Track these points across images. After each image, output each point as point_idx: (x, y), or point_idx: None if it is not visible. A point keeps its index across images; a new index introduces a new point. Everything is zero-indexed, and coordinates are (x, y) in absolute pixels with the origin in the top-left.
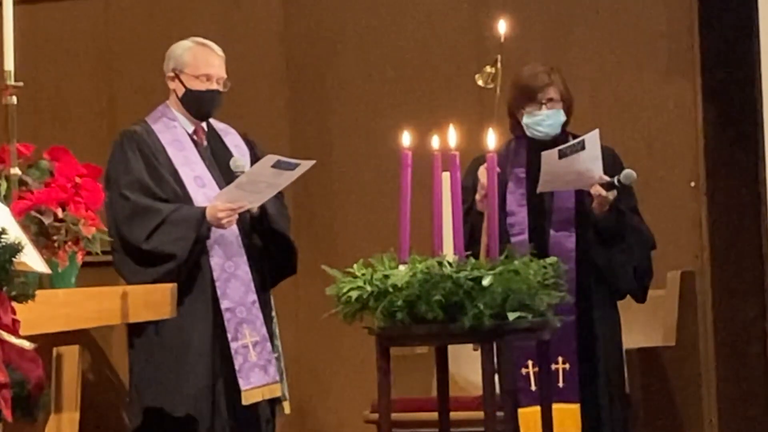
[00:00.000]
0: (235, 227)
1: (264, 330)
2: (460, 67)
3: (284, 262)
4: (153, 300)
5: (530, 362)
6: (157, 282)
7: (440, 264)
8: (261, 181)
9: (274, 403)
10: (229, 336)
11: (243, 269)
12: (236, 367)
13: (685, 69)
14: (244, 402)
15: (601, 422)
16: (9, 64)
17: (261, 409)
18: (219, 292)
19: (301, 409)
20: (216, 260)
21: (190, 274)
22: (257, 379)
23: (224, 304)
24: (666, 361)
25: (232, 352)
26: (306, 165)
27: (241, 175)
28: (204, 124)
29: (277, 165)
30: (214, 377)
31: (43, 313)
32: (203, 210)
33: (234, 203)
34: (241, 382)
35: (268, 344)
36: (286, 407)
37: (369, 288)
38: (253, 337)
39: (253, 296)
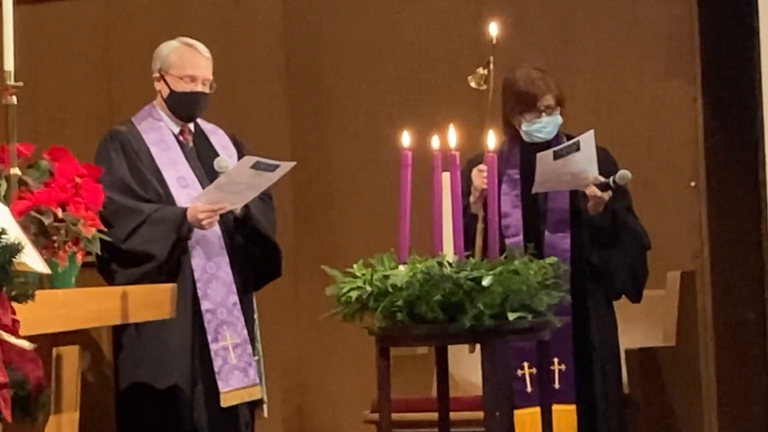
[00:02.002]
0: (217, 228)
1: (245, 332)
2: (459, 67)
3: (268, 264)
4: (153, 300)
5: (526, 364)
6: (137, 283)
7: (440, 264)
8: (241, 183)
9: (254, 405)
10: (209, 337)
11: (224, 270)
12: (216, 369)
13: (685, 69)
14: (223, 404)
15: (598, 423)
16: (9, 64)
17: (240, 412)
18: (200, 293)
19: (301, 409)
20: (197, 261)
21: (171, 274)
22: (237, 381)
23: (205, 306)
24: (666, 361)
25: (212, 353)
26: (286, 166)
27: (220, 177)
28: (191, 125)
29: (256, 166)
30: (193, 379)
31: (43, 313)
32: (184, 210)
33: (214, 204)
34: (220, 384)
35: (249, 347)
36: (265, 410)
37: (369, 288)
38: (234, 339)
39: (235, 298)
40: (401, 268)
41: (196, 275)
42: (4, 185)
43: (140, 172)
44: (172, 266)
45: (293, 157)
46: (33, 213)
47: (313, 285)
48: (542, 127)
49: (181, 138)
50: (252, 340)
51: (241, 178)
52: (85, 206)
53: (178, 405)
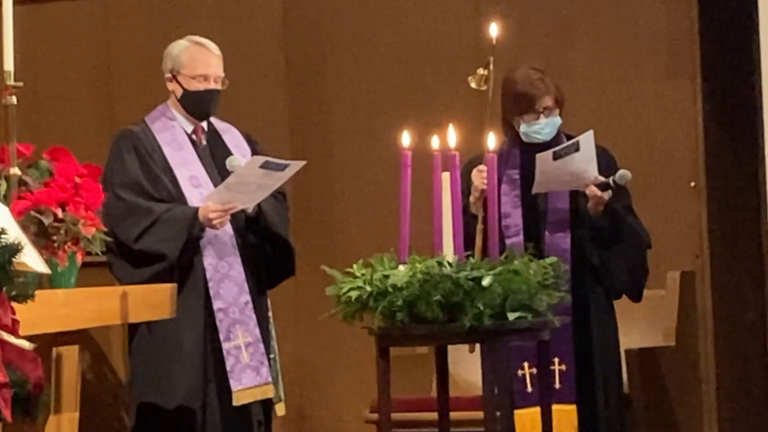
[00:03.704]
0: (229, 227)
1: (257, 331)
2: (459, 67)
3: (281, 263)
4: (153, 300)
5: (526, 364)
6: (149, 282)
7: (440, 264)
8: (251, 182)
9: (268, 404)
10: (222, 336)
11: (237, 269)
12: (228, 368)
13: (685, 69)
14: (235, 403)
15: (598, 423)
16: (9, 64)
17: (253, 411)
18: (212, 293)
19: (301, 409)
20: (209, 260)
21: (183, 274)
22: (249, 380)
23: (217, 305)
24: (666, 361)
25: (224, 352)
26: (296, 165)
27: (230, 176)
28: (204, 124)
29: (265, 166)
30: (206, 378)
31: (43, 313)
32: (196, 210)
33: (225, 204)
34: (232, 383)
35: (261, 345)
36: (280, 409)
37: (369, 288)
38: (246, 338)
39: (247, 297)
40: (401, 268)
41: (208, 275)
42: (4, 185)
43: (152, 172)
44: (184, 266)
45: (293, 156)
46: (33, 213)
47: (313, 285)
48: (541, 128)
49: (194, 137)
50: (267, 338)
51: (251, 178)
52: (85, 206)
53: (191, 403)
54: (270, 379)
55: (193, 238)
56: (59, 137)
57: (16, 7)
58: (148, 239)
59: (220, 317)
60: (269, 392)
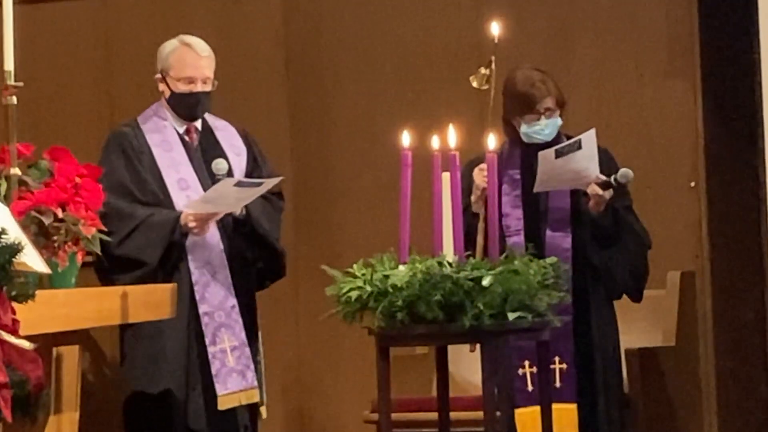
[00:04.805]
0: (216, 231)
1: (243, 335)
2: (460, 67)
3: (270, 265)
4: (153, 300)
5: (527, 362)
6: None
7: (440, 264)
8: (229, 196)
9: (255, 408)
10: (207, 340)
11: (223, 273)
12: (213, 371)
13: (685, 69)
14: (220, 407)
15: (598, 422)
16: (9, 64)
17: (239, 415)
18: (197, 297)
19: (301, 409)
20: (195, 264)
21: (169, 277)
22: (234, 384)
23: (202, 308)
24: (666, 361)
25: (210, 356)
26: (271, 183)
27: (206, 192)
28: (199, 123)
29: (239, 185)
30: (191, 381)
31: (43, 313)
32: (178, 215)
33: (204, 213)
34: (217, 387)
35: (247, 349)
36: (264, 412)
37: (369, 288)
38: (232, 342)
39: (233, 301)
40: (401, 268)
41: (194, 278)
42: (4, 185)
43: (140, 175)
44: (168, 270)
45: (293, 157)
46: (33, 213)
47: (313, 285)
48: (541, 129)
49: (186, 137)
50: (254, 341)
51: (228, 193)
52: (85, 206)
53: (176, 407)
54: (255, 384)
55: (175, 243)
56: (59, 137)
57: (16, 7)
58: (129, 245)
59: (205, 321)
60: (254, 396)
